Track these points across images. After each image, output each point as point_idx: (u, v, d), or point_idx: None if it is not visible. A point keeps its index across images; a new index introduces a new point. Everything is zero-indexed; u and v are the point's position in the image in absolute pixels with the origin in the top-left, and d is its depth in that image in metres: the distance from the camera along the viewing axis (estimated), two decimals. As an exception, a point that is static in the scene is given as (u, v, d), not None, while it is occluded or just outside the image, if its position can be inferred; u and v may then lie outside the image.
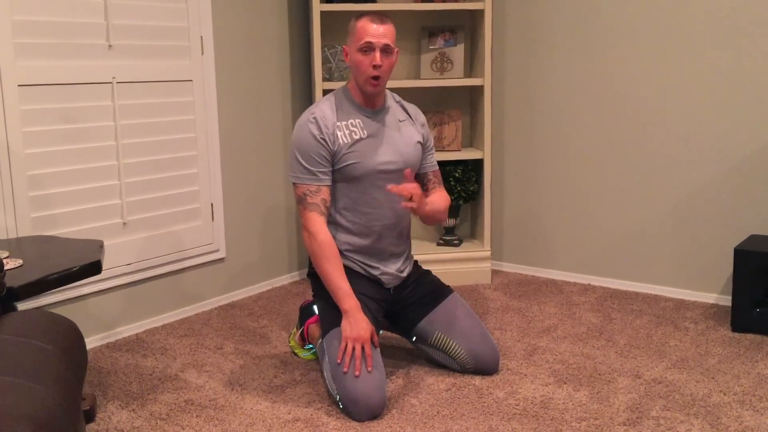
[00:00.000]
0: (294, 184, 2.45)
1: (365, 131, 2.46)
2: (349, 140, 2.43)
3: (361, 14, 2.43)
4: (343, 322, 2.35)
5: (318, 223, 2.40)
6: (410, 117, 2.59)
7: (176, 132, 3.11)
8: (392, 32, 2.41)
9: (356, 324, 2.33)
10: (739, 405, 2.29)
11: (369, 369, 2.27)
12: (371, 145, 2.45)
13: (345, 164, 2.42)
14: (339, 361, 2.29)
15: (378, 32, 2.37)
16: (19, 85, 2.58)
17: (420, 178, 2.66)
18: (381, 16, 2.41)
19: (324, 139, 2.40)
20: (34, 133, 2.64)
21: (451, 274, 3.54)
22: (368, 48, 2.38)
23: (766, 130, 3.05)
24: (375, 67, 2.38)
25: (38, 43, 2.63)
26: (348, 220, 2.49)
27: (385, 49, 2.39)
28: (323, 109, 2.45)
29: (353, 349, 2.29)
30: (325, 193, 2.42)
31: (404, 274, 2.59)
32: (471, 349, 2.51)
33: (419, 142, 2.56)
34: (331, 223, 2.50)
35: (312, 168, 2.41)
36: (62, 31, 2.69)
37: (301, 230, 2.46)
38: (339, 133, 2.42)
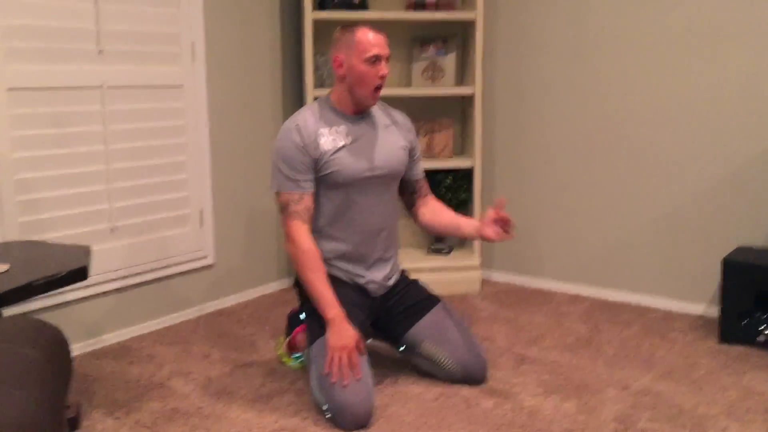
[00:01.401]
0: (276, 193, 2.45)
1: (349, 137, 2.46)
2: (332, 147, 2.43)
3: (350, 25, 2.43)
4: (328, 332, 2.34)
5: (301, 231, 2.40)
6: (396, 123, 2.59)
7: (166, 137, 3.10)
8: (386, 41, 2.46)
9: (341, 333, 2.32)
10: (726, 417, 2.29)
11: (357, 377, 2.27)
12: (355, 152, 2.45)
13: (328, 171, 2.42)
14: (326, 371, 2.28)
15: (381, 43, 2.41)
16: (8, 89, 2.56)
17: (407, 185, 2.66)
18: (373, 27, 2.42)
19: (305, 147, 2.40)
20: (22, 138, 2.62)
21: (441, 282, 3.54)
22: (376, 59, 2.39)
23: (754, 142, 3.07)
24: (382, 77, 2.40)
25: (28, 47, 2.62)
26: (333, 227, 2.49)
27: (387, 59, 2.43)
28: (305, 116, 2.45)
29: (339, 358, 2.28)
30: (308, 201, 2.42)
31: (390, 283, 2.58)
32: (459, 358, 2.50)
33: (404, 147, 2.56)
34: (316, 230, 2.49)
35: (295, 176, 2.40)
36: (52, 35, 2.68)
37: (285, 239, 2.45)
38: (321, 140, 2.42)
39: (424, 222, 2.67)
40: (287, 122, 2.46)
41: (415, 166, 2.65)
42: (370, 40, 2.38)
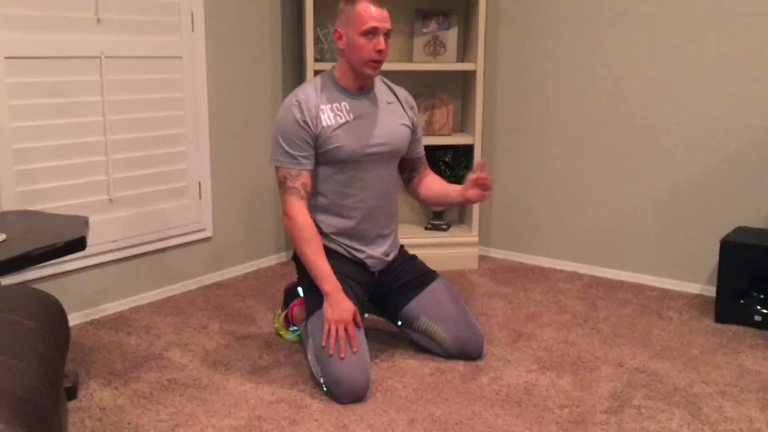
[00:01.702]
0: (276, 167, 2.44)
1: (351, 114, 2.44)
2: (333, 123, 2.41)
3: None
4: (325, 305, 2.35)
5: (297, 206, 2.39)
6: (399, 100, 2.58)
7: (165, 109, 3.08)
8: (389, 16, 2.42)
9: (337, 306, 2.33)
10: (720, 395, 2.30)
11: (354, 350, 2.28)
12: (357, 128, 2.44)
13: (329, 147, 2.41)
14: (323, 344, 2.29)
15: (381, 16, 2.36)
16: (5, 57, 2.54)
17: (408, 164, 2.65)
18: (376, 1, 2.38)
19: (306, 123, 2.38)
20: (20, 107, 2.61)
21: (439, 258, 3.54)
22: (373, 32, 2.36)
23: (754, 123, 3.06)
24: (379, 51, 2.37)
25: (26, 14, 2.59)
26: (333, 203, 2.48)
27: (387, 34, 2.39)
28: (307, 92, 2.43)
29: (336, 331, 2.29)
30: (305, 178, 2.41)
31: (389, 258, 2.58)
32: (455, 334, 2.51)
33: (406, 124, 2.55)
34: (317, 206, 2.48)
35: (293, 152, 2.39)
36: (50, 3, 2.65)
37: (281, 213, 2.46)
38: (323, 116, 2.40)
39: (421, 197, 2.69)
40: (289, 97, 2.44)
41: (416, 144, 2.64)
42: (370, 12, 2.35)
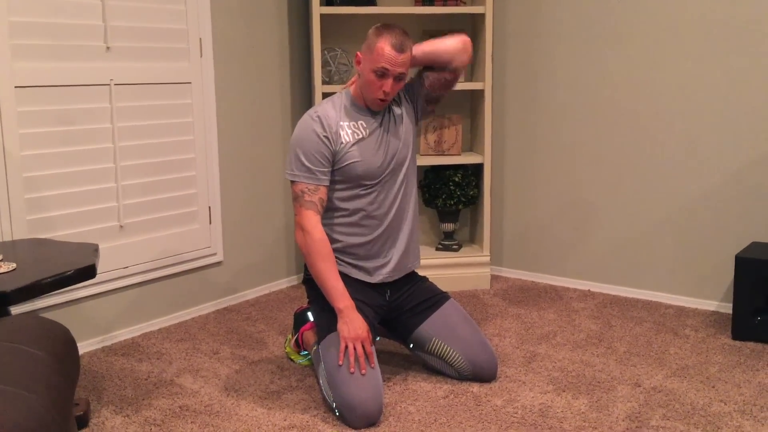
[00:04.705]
0: (292, 181, 2.43)
1: (368, 130, 2.45)
2: (351, 139, 2.42)
3: (383, 28, 2.37)
4: (339, 323, 2.33)
5: (313, 221, 2.39)
6: (404, 102, 2.56)
7: (174, 135, 3.10)
8: (409, 60, 2.40)
9: (352, 323, 2.32)
10: (740, 414, 2.26)
11: (372, 366, 2.28)
12: (373, 144, 2.45)
13: (346, 163, 2.41)
14: (341, 363, 2.27)
15: (395, 61, 2.34)
16: (15, 87, 2.56)
17: (424, 85, 2.57)
18: (402, 42, 2.35)
19: (327, 137, 2.39)
20: (30, 135, 2.62)
21: (450, 279, 3.52)
22: (382, 73, 2.36)
23: (766, 138, 3.03)
24: (385, 92, 2.37)
25: (35, 44, 2.61)
26: (348, 219, 2.47)
27: (399, 76, 2.38)
28: (326, 108, 2.45)
29: (354, 348, 2.29)
30: (322, 193, 2.41)
31: (401, 275, 2.55)
32: (469, 355, 2.49)
33: (413, 128, 2.56)
34: (331, 222, 2.48)
35: (312, 167, 2.39)
36: (60, 32, 2.68)
37: (294, 229, 2.45)
38: (342, 132, 2.41)
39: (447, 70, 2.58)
40: (309, 112, 2.45)
41: (422, 85, 2.56)
42: (384, 53, 2.34)
